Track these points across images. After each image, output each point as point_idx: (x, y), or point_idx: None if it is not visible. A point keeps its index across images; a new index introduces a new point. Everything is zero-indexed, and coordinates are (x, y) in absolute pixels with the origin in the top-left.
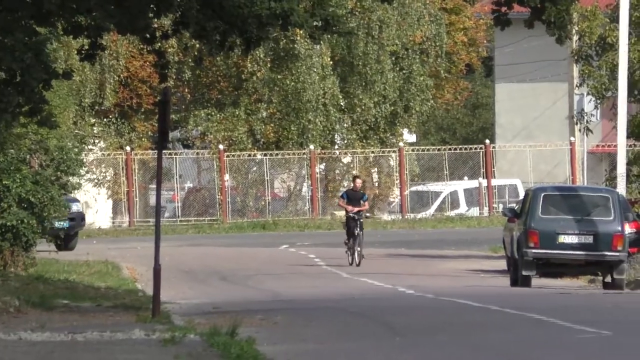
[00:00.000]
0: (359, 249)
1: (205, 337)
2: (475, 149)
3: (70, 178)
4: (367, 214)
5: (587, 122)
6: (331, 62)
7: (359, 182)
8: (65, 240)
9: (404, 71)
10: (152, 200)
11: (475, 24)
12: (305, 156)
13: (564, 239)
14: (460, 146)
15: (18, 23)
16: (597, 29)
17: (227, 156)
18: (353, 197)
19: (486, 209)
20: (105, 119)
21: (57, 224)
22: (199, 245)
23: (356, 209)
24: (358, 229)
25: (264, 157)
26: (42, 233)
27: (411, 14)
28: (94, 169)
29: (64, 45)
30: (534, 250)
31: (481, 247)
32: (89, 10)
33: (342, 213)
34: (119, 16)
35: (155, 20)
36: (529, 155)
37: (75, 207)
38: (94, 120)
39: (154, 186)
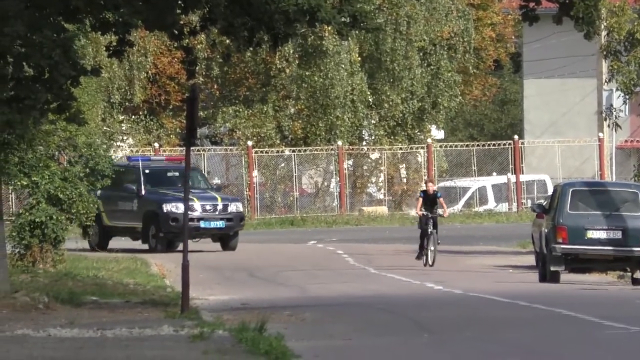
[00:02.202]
0: (432, 248)
1: (233, 333)
2: (504, 145)
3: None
4: (441, 212)
5: (615, 117)
6: (359, 59)
7: (431, 185)
8: (225, 240)
9: (432, 67)
10: None
11: (503, 19)
12: (333, 152)
13: (592, 234)
14: (488, 142)
15: (46, 20)
16: (626, 25)
17: (256, 152)
18: (428, 198)
19: (515, 204)
20: (133, 116)
21: (212, 224)
22: None
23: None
24: (431, 227)
25: (292, 154)
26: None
27: (439, 9)
28: None
29: (92, 42)
30: (562, 246)
31: (510, 242)
32: (116, 6)
33: (372, 209)
34: (146, 12)
35: (183, 16)
36: (557, 151)
37: (234, 207)
38: (122, 117)
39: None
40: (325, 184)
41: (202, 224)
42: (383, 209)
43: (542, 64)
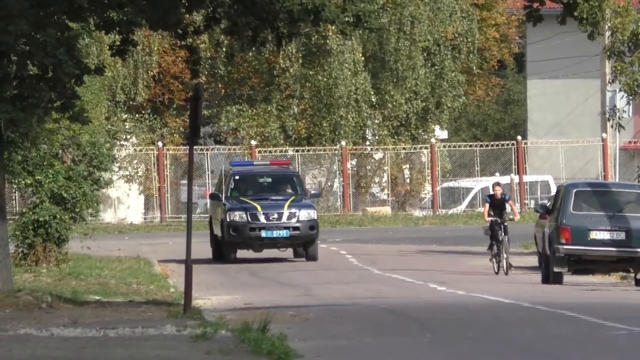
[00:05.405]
0: (505, 255)
1: (236, 333)
2: (507, 145)
3: (103, 173)
4: (512, 217)
5: (619, 118)
6: (363, 58)
7: (498, 189)
8: (304, 249)
9: (436, 67)
10: (184, 196)
11: (507, 19)
12: (336, 152)
13: (595, 235)
14: (492, 142)
15: (50, 19)
16: (630, 25)
17: (259, 152)
18: (496, 202)
19: (518, 205)
20: (137, 115)
21: (274, 233)
22: None
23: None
24: (503, 233)
25: (296, 153)
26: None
27: (443, 9)
28: (126, 165)
29: (96, 41)
30: (565, 247)
31: (513, 243)
32: (120, 5)
33: (375, 209)
34: (150, 12)
35: (187, 15)
36: (560, 152)
37: (304, 215)
38: (126, 115)
39: (185, 182)
40: (329, 183)
41: (264, 234)
42: (386, 209)
43: (546, 65)
